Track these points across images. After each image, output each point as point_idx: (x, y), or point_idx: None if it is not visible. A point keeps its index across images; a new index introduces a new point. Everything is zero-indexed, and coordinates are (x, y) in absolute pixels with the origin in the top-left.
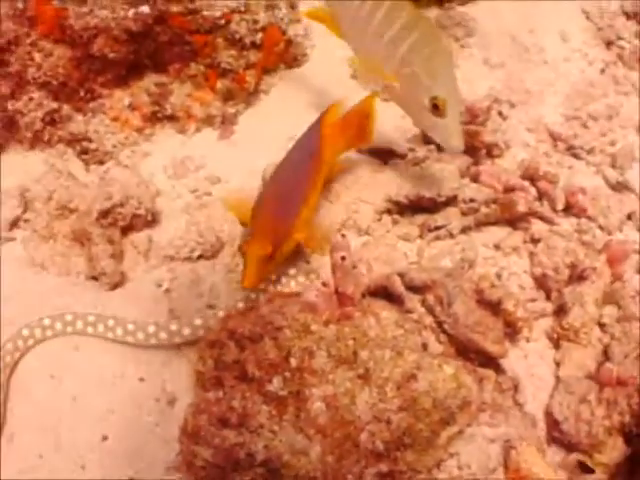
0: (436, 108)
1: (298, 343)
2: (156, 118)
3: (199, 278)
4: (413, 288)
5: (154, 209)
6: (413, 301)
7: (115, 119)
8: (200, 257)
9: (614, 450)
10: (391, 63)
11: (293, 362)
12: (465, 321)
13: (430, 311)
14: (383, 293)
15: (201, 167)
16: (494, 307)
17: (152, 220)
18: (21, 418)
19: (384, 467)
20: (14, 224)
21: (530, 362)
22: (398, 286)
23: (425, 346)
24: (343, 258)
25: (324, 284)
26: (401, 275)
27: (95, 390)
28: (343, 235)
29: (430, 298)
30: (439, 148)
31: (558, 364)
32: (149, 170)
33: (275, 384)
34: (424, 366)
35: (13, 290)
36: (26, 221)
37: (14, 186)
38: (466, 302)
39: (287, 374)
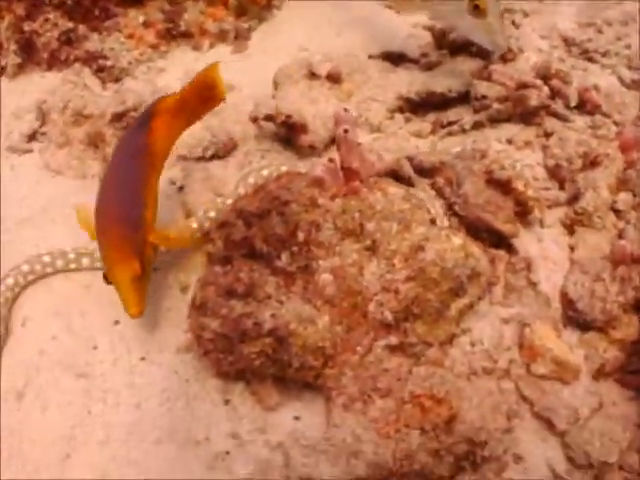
0: (477, 9)
1: (305, 217)
2: (170, 35)
3: (211, 175)
4: (422, 171)
5: None
6: (422, 184)
7: (130, 36)
8: (213, 157)
9: (629, 326)
10: None
11: (300, 236)
12: (475, 201)
13: (440, 193)
14: (393, 177)
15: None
16: (504, 187)
17: None
18: (33, 304)
19: (394, 339)
20: (32, 137)
21: (544, 246)
22: (407, 169)
23: (433, 221)
24: (346, 131)
25: (331, 160)
26: (410, 159)
27: None
28: (346, 109)
29: (440, 180)
30: (452, 53)
31: (572, 248)
32: (164, 84)
33: (283, 259)
34: (432, 237)
35: (30, 193)
36: (43, 134)
37: (32, 102)
38: (475, 182)
39: (295, 248)
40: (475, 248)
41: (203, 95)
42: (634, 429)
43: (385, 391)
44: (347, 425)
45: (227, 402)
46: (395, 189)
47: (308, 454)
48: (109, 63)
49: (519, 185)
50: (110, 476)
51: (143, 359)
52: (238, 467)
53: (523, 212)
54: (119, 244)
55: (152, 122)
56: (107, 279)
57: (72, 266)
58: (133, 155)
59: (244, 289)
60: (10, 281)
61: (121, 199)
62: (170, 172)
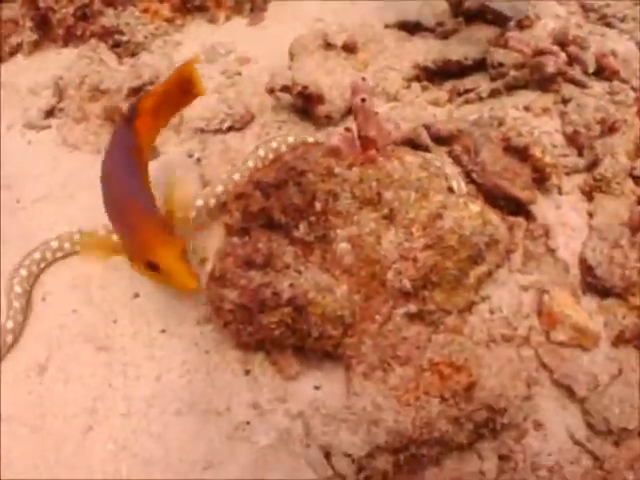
0: None
1: (322, 186)
2: (186, 8)
3: (229, 147)
4: (440, 139)
5: None
6: (440, 152)
7: (145, 11)
8: (230, 129)
9: None
10: None
11: (317, 205)
12: (493, 168)
13: (457, 161)
14: (410, 145)
15: (231, 51)
16: (521, 154)
17: None
18: (54, 279)
19: (413, 307)
20: (50, 113)
21: (563, 212)
22: (424, 137)
23: (451, 189)
24: (363, 100)
25: (347, 129)
26: (427, 127)
27: None
28: (363, 78)
29: (457, 148)
30: (467, 21)
31: (591, 215)
32: (180, 58)
33: (301, 229)
34: (449, 205)
35: (47, 170)
36: (60, 110)
37: (48, 78)
38: (493, 150)
39: (312, 218)
40: (493, 215)
41: (182, 91)
42: None
43: (404, 359)
44: (367, 393)
45: (247, 372)
46: (412, 157)
47: (328, 422)
48: (125, 38)
49: (536, 152)
50: (131, 448)
51: (163, 332)
52: (259, 437)
53: (541, 179)
54: (153, 229)
55: (137, 123)
56: (148, 265)
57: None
58: (127, 154)
59: (262, 259)
60: (37, 256)
61: (132, 193)
62: (187, 144)
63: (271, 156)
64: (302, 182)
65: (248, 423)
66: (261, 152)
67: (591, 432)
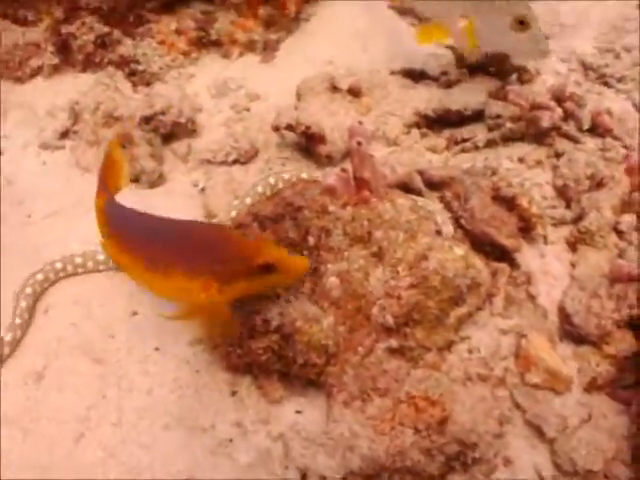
0: (522, 24)
1: (316, 222)
2: (201, 43)
3: (233, 179)
4: (432, 185)
5: (195, 120)
6: (432, 197)
7: (162, 43)
8: (235, 162)
9: (622, 342)
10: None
11: (311, 240)
12: (481, 215)
13: (448, 207)
14: (404, 189)
15: (242, 87)
16: (509, 203)
17: (193, 131)
18: (57, 293)
19: (394, 342)
20: (64, 135)
21: (546, 261)
22: (417, 182)
23: (439, 232)
24: (359, 143)
25: (343, 170)
26: (421, 172)
27: None
28: (360, 122)
29: (448, 194)
30: (470, 72)
31: (574, 265)
32: (193, 90)
33: None
34: (435, 247)
35: (59, 189)
36: (75, 132)
37: (65, 102)
38: (482, 198)
39: (305, 252)
40: (477, 260)
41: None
42: (621, 440)
43: (383, 391)
44: (345, 421)
45: (234, 393)
46: (404, 200)
47: (307, 446)
48: (141, 67)
49: (524, 202)
50: (119, 457)
51: (157, 349)
52: (240, 454)
53: (526, 228)
54: (245, 240)
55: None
56: (262, 269)
57: (101, 267)
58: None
59: None
60: (40, 277)
61: (207, 228)
62: (193, 175)
63: (268, 191)
64: (298, 217)
65: (231, 441)
66: (259, 188)
67: (558, 472)
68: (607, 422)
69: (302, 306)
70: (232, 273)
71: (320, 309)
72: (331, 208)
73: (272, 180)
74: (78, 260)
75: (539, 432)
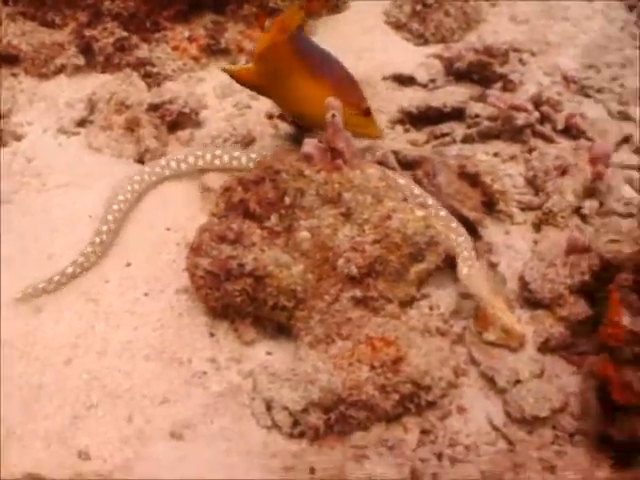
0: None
1: (292, 184)
2: (211, 50)
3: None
4: (406, 164)
5: (199, 112)
6: (405, 175)
7: (175, 48)
8: None
9: (574, 306)
10: None
11: (287, 200)
12: (446, 190)
13: (419, 183)
14: None
15: (245, 89)
16: (473, 180)
17: (197, 122)
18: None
19: (358, 292)
20: (81, 123)
21: (511, 237)
22: (392, 161)
23: (405, 200)
24: (334, 116)
25: (320, 141)
26: (395, 153)
27: (128, 229)
28: (335, 98)
29: (419, 172)
30: (457, 79)
31: (536, 242)
32: (201, 91)
33: (272, 220)
34: (399, 209)
35: (72, 165)
36: (91, 122)
37: (84, 95)
38: (449, 175)
39: (282, 211)
40: (436, 221)
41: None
42: (570, 396)
43: (346, 336)
44: (310, 360)
45: (212, 335)
46: (374, 170)
47: (273, 380)
48: (155, 70)
49: (487, 179)
50: (102, 380)
51: (146, 295)
52: (212, 385)
53: (489, 203)
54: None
55: None
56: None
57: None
58: None
59: (233, 236)
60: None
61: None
62: None
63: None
64: (276, 179)
65: (205, 373)
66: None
67: (508, 419)
68: (559, 380)
69: (275, 254)
70: (352, 104)
71: (291, 258)
72: (306, 172)
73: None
74: None
75: (492, 383)
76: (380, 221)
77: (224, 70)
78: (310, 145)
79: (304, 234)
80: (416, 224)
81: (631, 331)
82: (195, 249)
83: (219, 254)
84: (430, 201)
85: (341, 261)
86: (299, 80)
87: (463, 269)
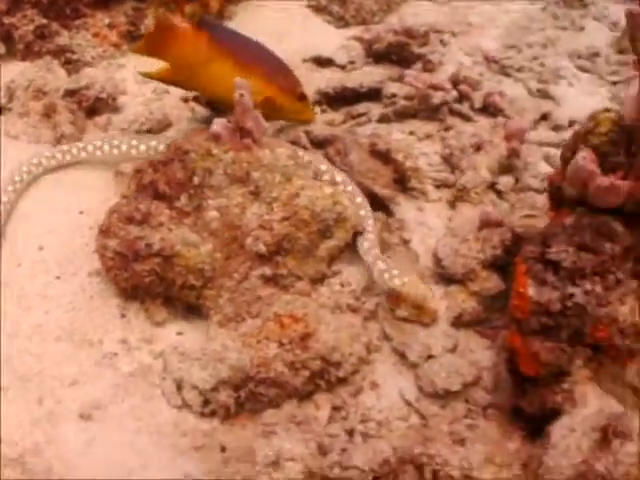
0: None
1: (201, 164)
2: (131, 37)
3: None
4: (318, 143)
5: (116, 97)
6: (317, 154)
7: (96, 35)
8: (149, 131)
9: (487, 281)
10: None
11: (196, 180)
12: (358, 168)
13: (331, 162)
14: None
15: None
16: (384, 157)
17: (114, 107)
18: None
19: (268, 270)
20: None
21: (424, 214)
22: (304, 140)
23: (316, 175)
24: (242, 95)
25: (229, 121)
26: (307, 132)
27: (41, 213)
28: (241, 79)
29: (331, 151)
30: (376, 61)
31: (450, 219)
32: (121, 77)
33: (182, 200)
34: (307, 187)
35: None
36: (9, 110)
37: (3, 84)
38: (360, 153)
39: (191, 191)
40: (344, 198)
41: None
42: (483, 370)
43: (256, 314)
44: (219, 338)
45: (123, 316)
46: (284, 149)
47: (183, 360)
48: (75, 57)
49: (398, 156)
50: (12, 363)
51: (58, 278)
52: (122, 365)
53: (401, 180)
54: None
55: None
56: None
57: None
58: None
59: (141, 217)
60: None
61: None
62: None
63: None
64: (185, 159)
65: (115, 354)
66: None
67: (421, 394)
68: (473, 355)
69: (182, 233)
70: (285, 90)
71: (200, 238)
72: (214, 152)
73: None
74: None
75: (404, 359)
76: (289, 199)
77: (141, 74)
78: (218, 125)
79: (213, 213)
80: (324, 201)
81: (537, 302)
82: (104, 231)
83: (127, 235)
84: (338, 177)
85: (249, 239)
86: (225, 71)
87: (363, 243)
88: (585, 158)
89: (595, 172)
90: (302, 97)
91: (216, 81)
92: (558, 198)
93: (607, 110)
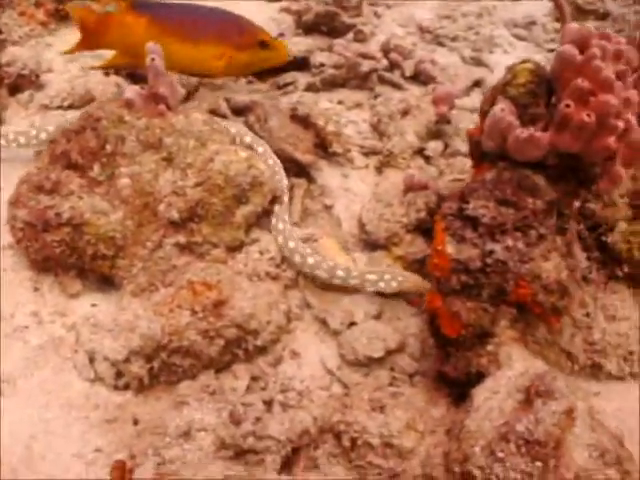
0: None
1: (113, 131)
2: (59, 15)
3: (66, 121)
4: (238, 111)
5: (39, 74)
6: (238, 121)
7: (22, 14)
8: (70, 106)
9: (411, 245)
10: None
11: (108, 148)
12: (278, 134)
13: (251, 129)
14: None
15: (95, 54)
16: (305, 122)
17: (38, 85)
18: None
19: (182, 238)
20: None
21: (349, 180)
22: (224, 108)
23: (232, 143)
24: (153, 60)
25: (142, 87)
26: (227, 100)
27: None
28: (154, 43)
29: (251, 118)
30: (306, 32)
31: (377, 185)
32: (49, 56)
33: (95, 170)
34: (222, 151)
35: None
36: None
37: None
38: (281, 119)
39: (104, 160)
40: (260, 163)
41: None
42: (409, 337)
43: (169, 282)
44: (131, 308)
45: (36, 289)
46: (199, 115)
47: (96, 332)
48: (2, 37)
49: (319, 121)
50: None
51: None
52: (32, 338)
53: (322, 144)
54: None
55: None
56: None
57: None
58: None
59: (51, 185)
60: None
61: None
62: (32, 118)
63: None
64: (97, 127)
65: (26, 327)
66: None
67: (343, 363)
68: (399, 322)
69: (92, 201)
70: (242, 45)
71: (111, 206)
72: (127, 118)
73: None
74: None
75: (326, 327)
76: (203, 164)
77: (94, 68)
78: (131, 91)
79: (124, 181)
80: (239, 165)
81: (456, 260)
82: (14, 202)
83: (36, 204)
84: (248, 139)
85: (162, 206)
86: (175, 48)
87: (272, 219)
88: (503, 110)
89: (513, 124)
90: (264, 44)
91: (170, 58)
92: (479, 154)
93: (525, 61)
